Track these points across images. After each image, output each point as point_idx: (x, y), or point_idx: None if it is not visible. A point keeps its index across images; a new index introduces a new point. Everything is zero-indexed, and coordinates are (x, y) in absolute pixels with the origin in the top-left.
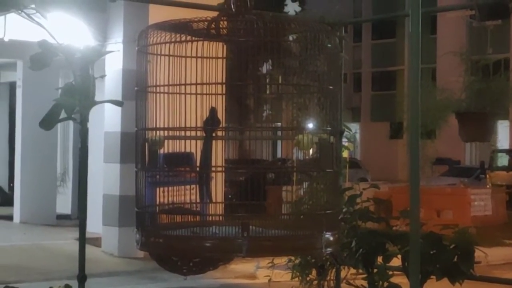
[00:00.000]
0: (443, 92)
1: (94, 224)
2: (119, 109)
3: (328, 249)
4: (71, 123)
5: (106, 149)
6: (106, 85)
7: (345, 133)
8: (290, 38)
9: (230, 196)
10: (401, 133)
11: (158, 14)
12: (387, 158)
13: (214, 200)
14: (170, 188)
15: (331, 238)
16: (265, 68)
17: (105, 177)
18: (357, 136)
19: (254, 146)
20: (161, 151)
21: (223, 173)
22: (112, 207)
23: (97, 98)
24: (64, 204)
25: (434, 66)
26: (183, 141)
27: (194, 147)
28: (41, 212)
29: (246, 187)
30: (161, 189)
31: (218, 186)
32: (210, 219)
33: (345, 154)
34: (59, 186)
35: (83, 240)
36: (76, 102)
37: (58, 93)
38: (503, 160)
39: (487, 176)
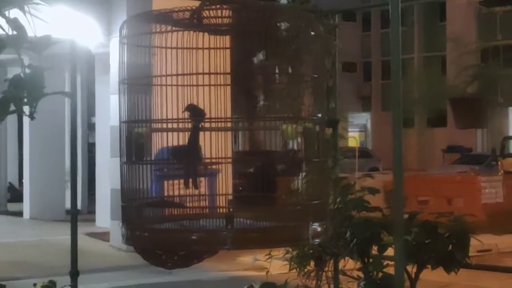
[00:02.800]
0: (440, 79)
1: (103, 218)
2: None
3: (316, 240)
4: (80, 118)
5: (112, 144)
6: (111, 79)
7: (350, 122)
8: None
9: (240, 188)
10: (412, 121)
11: (162, 6)
12: None
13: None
14: (173, 181)
15: (319, 229)
16: (256, 59)
17: (112, 172)
18: (368, 125)
19: (264, 137)
20: (166, 144)
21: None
22: (120, 201)
23: (103, 92)
24: None
25: (444, 54)
26: (182, 134)
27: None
28: (50, 208)
29: (251, 178)
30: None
31: (223, 179)
32: (212, 211)
33: (353, 143)
34: (68, 182)
35: (74, 237)
36: (24, 95)
37: (65, 89)
38: None
39: (499, 163)
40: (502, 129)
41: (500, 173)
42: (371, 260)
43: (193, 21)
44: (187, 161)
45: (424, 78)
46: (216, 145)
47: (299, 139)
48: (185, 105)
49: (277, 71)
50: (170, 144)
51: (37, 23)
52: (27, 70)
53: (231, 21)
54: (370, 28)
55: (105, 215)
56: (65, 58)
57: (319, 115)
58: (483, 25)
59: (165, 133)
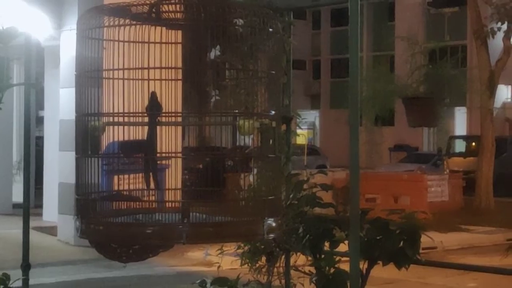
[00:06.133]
0: (389, 78)
1: (50, 212)
2: (73, 96)
3: (271, 235)
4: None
5: (61, 137)
6: (61, 72)
7: (299, 120)
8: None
9: (188, 183)
10: (360, 120)
11: (113, 1)
12: (346, 145)
13: (169, 186)
14: (125, 176)
15: (274, 224)
16: (212, 54)
17: (61, 166)
18: (317, 123)
19: (213, 133)
20: (117, 138)
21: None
22: (68, 195)
23: (52, 85)
24: (21, 192)
25: (393, 53)
26: (133, 128)
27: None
28: None
29: (201, 174)
30: (117, 177)
31: (173, 173)
32: (154, 205)
33: (302, 140)
34: (15, 175)
35: (26, 229)
36: None
37: (13, 81)
38: (460, 146)
39: (445, 162)
40: (448, 128)
41: (445, 172)
42: (323, 255)
43: (151, 15)
44: (147, 155)
45: (373, 77)
46: (166, 140)
47: (255, 135)
48: (135, 99)
49: (231, 66)
50: (126, 138)
51: None
52: None
53: (188, 16)
54: (320, 26)
55: (53, 209)
56: (12, 50)
57: (275, 111)
58: (432, 25)
59: (121, 127)
